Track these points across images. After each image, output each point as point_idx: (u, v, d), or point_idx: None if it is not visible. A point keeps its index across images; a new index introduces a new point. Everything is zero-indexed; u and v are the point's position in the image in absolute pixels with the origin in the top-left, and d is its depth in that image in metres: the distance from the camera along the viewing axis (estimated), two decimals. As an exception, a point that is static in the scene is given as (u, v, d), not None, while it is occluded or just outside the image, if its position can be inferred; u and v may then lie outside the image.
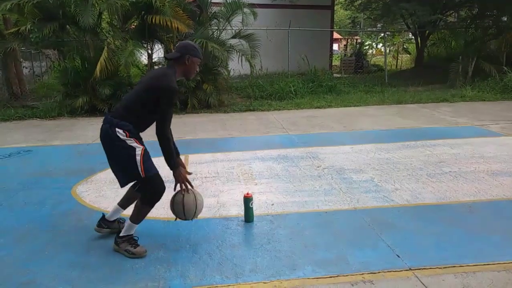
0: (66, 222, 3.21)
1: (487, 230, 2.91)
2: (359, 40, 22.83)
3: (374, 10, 16.31)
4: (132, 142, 2.52)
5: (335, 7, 20.66)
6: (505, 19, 12.41)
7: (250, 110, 8.94)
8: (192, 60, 2.62)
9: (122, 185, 2.64)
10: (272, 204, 3.46)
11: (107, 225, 2.92)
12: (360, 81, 12.52)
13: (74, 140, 6.28)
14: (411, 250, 2.63)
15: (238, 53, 9.31)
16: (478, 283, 2.26)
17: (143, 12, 8.49)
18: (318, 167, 4.51)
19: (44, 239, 2.92)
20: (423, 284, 2.26)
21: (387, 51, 20.65)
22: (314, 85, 10.95)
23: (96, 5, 8.38)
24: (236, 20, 9.68)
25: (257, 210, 3.29)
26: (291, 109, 9.00)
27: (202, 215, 3.29)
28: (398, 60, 19.49)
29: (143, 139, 2.68)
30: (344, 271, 2.41)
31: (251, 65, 9.47)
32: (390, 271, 2.40)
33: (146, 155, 2.56)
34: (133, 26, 9.37)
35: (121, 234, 2.67)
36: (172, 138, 2.63)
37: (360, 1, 16.97)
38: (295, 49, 12.10)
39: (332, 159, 4.80)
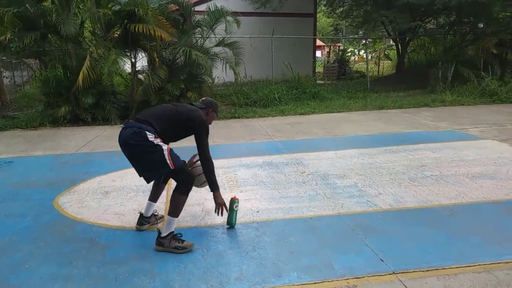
0: (48, 234, 3.16)
1: (468, 232, 2.98)
2: (341, 47, 23.18)
3: (356, 18, 16.59)
4: (158, 141, 2.77)
5: (318, 15, 20.95)
6: (481, 25, 12.78)
7: (235, 118, 8.97)
8: (212, 113, 3.22)
9: (148, 181, 2.91)
10: (257, 211, 3.47)
11: (147, 221, 3.20)
12: (343, 87, 12.69)
13: (57, 150, 6.19)
14: (395, 254, 2.67)
15: (222, 61, 9.36)
16: (460, 285, 2.31)
17: (126, 21, 8.45)
18: (302, 173, 4.55)
19: (25, 251, 2.86)
20: (406, 287, 2.30)
21: (369, 57, 21.02)
22: (298, 92, 11.06)
23: (78, 14, 8.33)
24: (220, 28, 9.74)
25: (242, 217, 3.30)
26: (275, 115, 9.06)
27: (187, 223, 3.29)
28: (380, 66, 19.84)
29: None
30: (329, 276, 2.43)
31: (235, 73, 9.53)
32: (374, 276, 2.43)
33: (171, 151, 2.83)
34: (116, 35, 9.32)
35: (163, 234, 2.80)
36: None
37: (341, 9, 17.26)
38: (278, 57, 12.20)
39: (317, 165, 4.85)
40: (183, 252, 2.77)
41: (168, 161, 2.75)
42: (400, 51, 14.70)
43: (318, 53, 30.32)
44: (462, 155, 5.10)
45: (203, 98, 3.32)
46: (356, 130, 7.07)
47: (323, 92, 11.38)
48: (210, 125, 3.09)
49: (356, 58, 23.21)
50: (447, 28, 13.88)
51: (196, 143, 2.97)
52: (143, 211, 3.24)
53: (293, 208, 3.50)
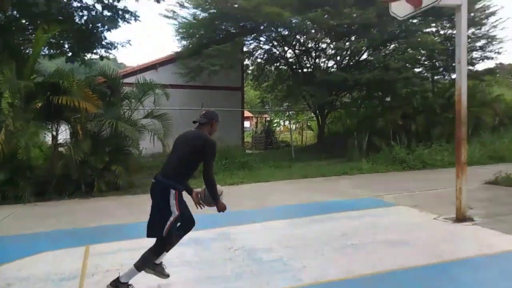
0: None
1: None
2: (268, 118, 24.43)
3: (279, 92, 17.81)
4: (174, 207, 3.15)
5: (246, 88, 22.17)
6: (389, 99, 14.42)
7: (162, 190, 8.76)
8: (216, 123, 3.52)
9: (151, 236, 3.25)
10: (180, 295, 3.34)
11: (153, 268, 3.37)
12: (270, 157, 13.19)
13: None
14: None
15: (150, 133, 9.33)
16: None
17: (49, 93, 8.21)
18: (229, 248, 4.52)
19: None
20: None
21: (293, 128, 22.32)
22: (227, 162, 11.24)
23: (-4, 85, 7.95)
24: (149, 101, 9.84)
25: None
26: (203, 187, 9.02)
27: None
28: (303, 136, 21.08)
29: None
30: None
31: (163, 144, 9.49)
32: None
33: (175, 222, 3.18)
34: (38, 106, 8.95)
35: (122, 280, 3.17)
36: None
37: (266, 84, 18.48)
38: (208, 127, 12.46)
39: (244, 239, 4.86)
40: None
41: (166, 228, 3.13)
42: (320, 122, 15.86)
43: (247, 124, 31.56)
44: (379, 222, 5.45)
45: (204, 112, 3.54)
46: (283, 200, 7.28)
47: (252, 161, 11.69)
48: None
49: (282, 129, 24.50)
50: (359, 102, 15.41)
51: (204, 166, 3.30)
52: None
53: (219, 289, 3.43)
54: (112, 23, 11.51)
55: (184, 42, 15.07)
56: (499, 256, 4.04)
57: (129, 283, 3.23)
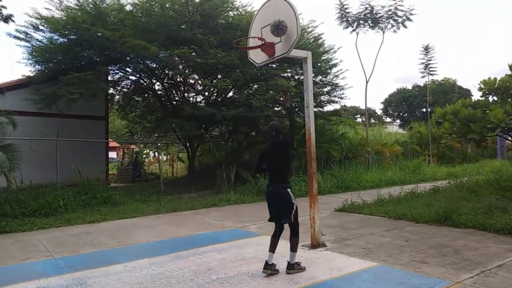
0: None
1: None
2: (136, 149, 23.44)
3: (148, 123, 17.39)
4: (294, 201, 4.76)
5: (111, 117, 20.97)
6: (253, 133, 15.37)
7: (6, 232, 7.56)
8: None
9: (285, 223, 4.78)
10: None
11: (270, 268, 4.62)
12: (137, 190, 12.59)
13: None
14: None
15: (-9, 166, 8.04)
16: None
17: None
18: (86, 295, 4.10)
19: None
20: None
21: (164, 159, 21.87)
22: (88, 197, 10.31)
23: None
24: (-10, 129, 8.54)
25: None
26: (59, 226, 8.10)
27: None
28: (174, 168, 20.81)
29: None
30: None
31: (7, 179, 8.27)
32: None
33: (297, 210, 4.78)
34: None
35: (292, 262, 4.73)
36: None
37: (134, 114, 17.84)
38: (65, 160, 11.37)
39: (103, 283, 4.48)
40: (303, 271, 4.72)
41: (292, 216, 4.73)
42: (191, 155, 15.94)
43: (113, 154, 29.68)
44: (244, 253, 5.64)
45: (270, 126, 4.96)
46: (148, 237, 6.98)
47: (116, 196, 10.94)
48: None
49: (151, 160, 23.76)
50: (227, 136, 16.04)
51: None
52: (267, 259, 4.66)
53: None
54: None
55: (38, 67, 13.62)
56: (346, 278, 4.56)
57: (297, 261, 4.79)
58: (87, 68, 11.81)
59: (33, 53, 13.23)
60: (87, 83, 11.42)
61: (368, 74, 17.57)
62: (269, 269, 4.61)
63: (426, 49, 20.99)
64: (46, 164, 11.70)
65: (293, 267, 4.69)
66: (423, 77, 21.80)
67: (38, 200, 9.33)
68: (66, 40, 12.86)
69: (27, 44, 13.16)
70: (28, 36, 12.94)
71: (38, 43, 13.15)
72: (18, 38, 12.91)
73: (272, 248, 4.71)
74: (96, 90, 12.03)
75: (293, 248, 4.72)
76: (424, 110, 42.28)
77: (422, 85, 41.08)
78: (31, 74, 13.54)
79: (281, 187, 4.74)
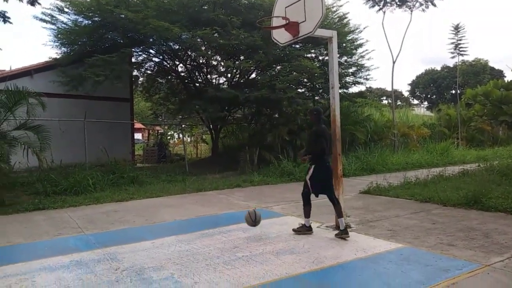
0: None
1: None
2: (161, 131, 23.76)
3: (172, 105, 17.55)
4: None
5: (136, 99, 21.26)
6: (276, 116, 15.29)
7: (39, 209, 7.85)
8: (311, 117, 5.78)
9: (320, 194, 5.63)
10: (59, 326, 3.01)
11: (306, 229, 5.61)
12: (162, 171, 12.82)
13: None
14: None
15: (23, 146, 8.32)
16: None
17: None
18: (116, 269, 4.23)
19: None
20: None
21: (188, 140, 22.13)
22: (115, 177, 10.60)
23: None
24: (22, 110, 8.79)
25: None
26: (89, 204, 8.36)
27: None
28: (198, 149, 21.04)
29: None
30: None
31: (39, 159, 8.55)
32: None
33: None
34: None
35: (342, 227, 5.40)
36: None
37: (158, 96, 18.03)
38: (93, 140, 11.66)
39: (132, 258, 4.61)
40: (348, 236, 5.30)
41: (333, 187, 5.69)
42: (214, 136, 16.04)
43: (139, 136, 30.22)
44: (268, 233, 5.69)
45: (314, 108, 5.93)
46: (175, 215, 7.12)
47: (143, 176, 11.21)
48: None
49: (176, 141, 24.07)
50: (250, 118, 16.01)
51: None
52: (304, 222, 5.65)
53: (103, 315, 3.18)
54: (-26, 23, 10.09)
55: (64, 49, 13.86)
56: (371, 259, 4.53)
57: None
58: (112, 50, 11.94)
59: (59, 36, 13.47)
60: (111, 65, 11.56)
61: (395, 55, 17.10)
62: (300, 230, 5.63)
63: (456, 28, 20.15)
64: (75, 145, 12.03)
65: (343, 232, 5.43)
66: (453, 57, 20.98)
67: (68, 179, 9.65)
68: (90, 22, 13.00)
69: (53, 26, 13.40)
70: (54, 18, 13.16)
71: (63, 25, 13.36)
72: (44, 20, 13.14)
73: (307, 213, 5.65)
74: (120, 72, 12.17)
75: (339, 214, 5.50)
76: (454, 91, 40.98)
77: (451, 66, 39.73)
78: (58, 57, 13.82)
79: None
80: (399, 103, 37.33)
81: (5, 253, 5.04)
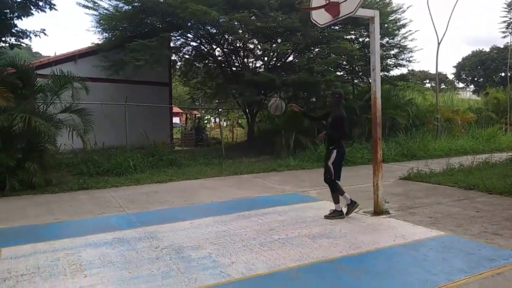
0: None
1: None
2: (198, 115, 24.12)
3: (209, 89, 17.69)
4: None
5: (174, 83, 21.63)
6: (313, 99, 15.05)
7: (84, 189, 8.24)
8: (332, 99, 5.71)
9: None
10: (104, 298, 3.16)
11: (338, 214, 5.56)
12: (200, 154, 13.04)
13: None
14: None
15: (68, 128, 8.70)
16: None
17: None
18: (156, 247, 4.38)
19: None
20: None
21: (224, 125, 22.34)
22: (155, 159, 10.91)
23: None
24: (67, 94, 9.17)
25: (85, 308, 2.96)
26: (130, 185, 8.67)
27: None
28: (234, 133, 21.20)
29: None
30: None
31: (83, 141, 8.92)
32: None
33: None
34: None
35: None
36: None
37: (195, 80, 18.23)
38: (133, 124, 12.01)
39: (172, 237, 4.74)
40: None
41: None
42: (250, 121, 16.06)
43: (177, 120, 30.86)
44: (304, 217, 5.66)
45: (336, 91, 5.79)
46: (212, 197, 7.25)
47: (181, 159, 11.47)
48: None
49: (212, 125, 24.39)
50: (286, 101, 15.84)
51: None
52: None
53: (144, 289, 3.30)
54: (24, 10, 10.52)
55: (106, 34, 14.23)
56: (411, 245, 4.40)
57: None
58: (151, 35, 12.13)
59: (101, 21, 13.82)
60: (151, 50, 11.76)
61: (440, 36, 16.25)
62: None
63: (510, 5, 18.84)
64: (116, 128, 12.45)
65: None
66: (504, 37, 19.79)
67: (110, 161, 10.04)
68: (130, 7, 13.22)
69: (95, 12, 13.76)
70: (96, 4, 13.51)
71: (105, 11, 13.69)
72: (87, 6, 13.52)
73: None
74: (159, 57, 12.36)
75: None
76: (503, 74, 38.58)
77: (502, 46, 37.32)
78: (100, 42, 14.22)
79: None
80: (443, 86, 35.70)
81: (53, 229, 5.34)
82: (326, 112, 6.01)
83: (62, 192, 7.95)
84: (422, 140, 13.74)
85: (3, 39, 11.16)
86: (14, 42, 11.26)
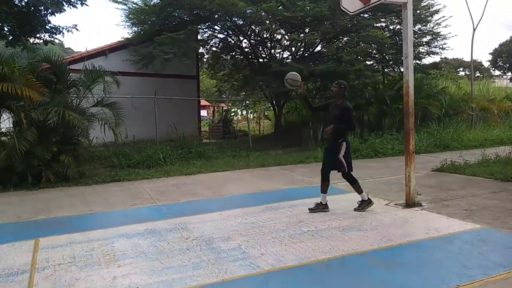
0: None
1: (341, 286, 3.20)
2: (225, 107, 24.24)
3: (236, 81, 17.70)
4: None
5: (202, 76, 21.81)
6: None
7: (115, 181, 8.45)
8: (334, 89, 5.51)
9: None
10: (137, 288, 3.23)
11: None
12: (227, 146, 13.11)
13: None
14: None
15: (101, 122, 8.93)
16: None
17: (-13, 80, 7.60)
18: (187, 238, 4.44)
19: None
20: None
21: (250, 117, 22.34)
22: (184, 152, 11.06)
23: None
24: (99, 88, 9.41)
25: (119, 296, 3.03)
26: (160, 177, 8.82)
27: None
28: (261, 126, 21.18)
29: None
30: None
31: (115, 134, 9.13)
32: None
33: None
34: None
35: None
36: None
37: (223, 73, 18.28)
38: (163, 117, 12.19)
39: (202, 229, 4.79)
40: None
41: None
42: (277, 112, 15.98)
43: (204, 113, 31.16)
44: (333, 209, 5.59)
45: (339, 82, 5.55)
46: (240, 189, 7.27)
47: (209, 151, 11.56)
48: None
49: (239, 118, 24.45)
50: (314, 92, 15.67)
51: None
52: (321, 201, 5.44)
53: (176, 280, 3.34)
54: (57, 7, 10.84)
55: (135, 29, 14.52)
56: (445, 239, 4.26)
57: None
58: (179, 28, 12.23)
59: (130, 16, 14.08)
60: (179, 43, 11.87)
61: (476, 21, 15.55)
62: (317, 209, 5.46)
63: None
64: (146, 121, 12.68)
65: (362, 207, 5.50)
66: (545, 21, 18.60)
67: (141, 153, 10.25)
68: (158, 1, 13.38)
69: (124, 7, 14.04)
70: (125, -1, 13.75)
71: (134, 5, 13.92)
72: (116, 1, 13.78)
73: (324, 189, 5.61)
74: (187, 49, 12.47)
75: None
76: (543, 60, 36.60)
77: (542, 31, 35.31)
78: (129, 36, 14.51)
79: None
80: (478, 74, 34.30)
81: (88, 220, 5.51)
82: (327, 103, 5.90)
83: (95, 184, 8.19)
84: (455, 131, 13.26)
85: (38, 35, 11.57)
86: (48, 38, 11.65)
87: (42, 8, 10.80)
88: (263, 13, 12.37)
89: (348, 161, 5.44)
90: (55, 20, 38.80)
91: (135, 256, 3.94)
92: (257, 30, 14.54)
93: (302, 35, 13.33)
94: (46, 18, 11.19)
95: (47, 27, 11.36)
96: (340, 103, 5.38)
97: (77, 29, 11.86)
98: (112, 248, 4.20)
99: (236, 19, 13.68)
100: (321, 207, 5.46)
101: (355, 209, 5.45)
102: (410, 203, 5.64)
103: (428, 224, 4.79)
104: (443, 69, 19.21)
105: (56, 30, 11.57)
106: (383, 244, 4.11)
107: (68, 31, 11.71)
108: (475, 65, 25.30)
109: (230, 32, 15.30)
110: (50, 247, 4.26)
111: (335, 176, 8.20)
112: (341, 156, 5.35)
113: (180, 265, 3.66)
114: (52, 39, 11.76)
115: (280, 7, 11.98)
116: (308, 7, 11.65)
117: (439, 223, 4.81)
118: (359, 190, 5.51)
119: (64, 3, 11.03)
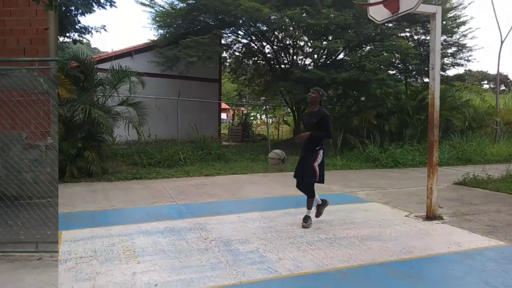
0: None
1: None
2: (244, 111, 24.38)
3: (257, 86, 17.79)
4: None
5: (223, 80, 22.03)
6: (363, 99, 14.68)
7: (137, 178, 8.62)
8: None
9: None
10: (156, 285, 3.28)
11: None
12: (246, 149, 13.17)
13: None
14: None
15: (125, 120, 9.12)
16: None
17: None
18: (205, 239, 4.49)
19: None
20: None
21: (270, 122, 22.40)
22: (204, 153, 11.17)
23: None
24: (124, 88, 9.62)
25: (140, 292, 3.10)
26: (180, 177, 8.94)
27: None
28: (280, 131, 21.20)
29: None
30: None
31: (138, 133, 9.32)
32: None
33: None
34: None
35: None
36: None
37: (244, 77, 18.40)
38: (184, 118, 12.35)
39: (220, 230, 4.84)
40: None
41: None
42: (297, 118, 15.96)
43: (224, 116, 31.41)
44: (352, 218, 5.56)
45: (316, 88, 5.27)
46: (259, 193, 7.31)
47: (228, 153, 11.66)
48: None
49: (259, 122, 24.55)
50: (335, 100, 15.61)
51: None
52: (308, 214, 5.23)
53: (194, 279, 3.39)
54: (87, 7, 11.15)
55: (161, 31, 14.82)
56: (467, 254, 4.18)
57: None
58: (204, 32, 12.42)
59: (156, 18, 14.37)
60: (204, 46, 12.04)
61: (504, 33, 15.22)
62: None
63: None
64: (168, 121, 12.88)
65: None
66: None
67: (162, 153, 10.41)
68: (185, 5, 13.61)
69: (151, 10, 14.35)
70: (152, 1, 14.05)
71: (160, 8, 14.21)
72: (144, 4, 14.10)
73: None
74: (211, 53, 12.62)
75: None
76: None
77: None
78: (155, 38, 14.80)
79: None
80: (504, 88, 33.47)
81: (109, 216, 5.63)
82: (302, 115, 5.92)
83: (117, 180, 8.35)
84: (478, 144, 13.00)
85: (68, 34, 11.91)
86: (77, 38, 11.97)
87: (73, 8, 11.12)
88: (287, 20, 12.43)
89: (321, 172, 5.21)
90: (84, 20, 39.90)
91: (154, 253, 4.01)
92: (280, 36, 14.61)
93: (325, 42, 13.33)
94: (76, 18, 11.52)
95: (76, 26, 11.69)
96: (317, 110, 5.19)
97: (105, 30, 12.17)
98: (132, 244, 4.29)
99: (260, 24, 13.78)
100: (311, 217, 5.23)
101: (303, 226, 5.08)
102: (431, 216, 5.56)
103: (450, 238, 4.71)
104: (467, 81, 18.84)
105: (85, 30, 11.89)
106: (403, 256, 4.07)
107: (96, 31, 12.02)
108: (501, 78, 24.74)
109: (254, 38, 15.42)
110: (72, 240, 4.38)
111: (354, 184, 8.19)
112: (316, 165, 5.11)
113: (198, 265, 3.71)
114: (81, 38, 12.09)
115: (304, 14, 12.02)
116: (332, 15, 11.66)
117: (461, 237, 4.72)
118: (310, 206, 5.24)
119: (94, 4, 11.34)
